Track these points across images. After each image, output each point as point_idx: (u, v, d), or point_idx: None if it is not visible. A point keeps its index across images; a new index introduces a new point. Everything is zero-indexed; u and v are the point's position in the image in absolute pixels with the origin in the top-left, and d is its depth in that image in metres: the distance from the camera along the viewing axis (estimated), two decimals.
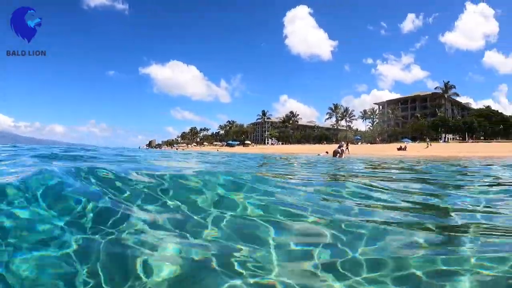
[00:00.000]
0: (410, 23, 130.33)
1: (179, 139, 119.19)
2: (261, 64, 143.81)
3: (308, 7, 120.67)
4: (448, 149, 32.63)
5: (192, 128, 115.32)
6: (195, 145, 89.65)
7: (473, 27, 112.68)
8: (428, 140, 42.24)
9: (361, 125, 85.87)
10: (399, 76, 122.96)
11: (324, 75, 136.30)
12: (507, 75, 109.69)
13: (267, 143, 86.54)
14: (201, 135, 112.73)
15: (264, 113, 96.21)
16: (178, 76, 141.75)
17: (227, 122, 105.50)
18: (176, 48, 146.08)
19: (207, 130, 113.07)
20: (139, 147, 78.67)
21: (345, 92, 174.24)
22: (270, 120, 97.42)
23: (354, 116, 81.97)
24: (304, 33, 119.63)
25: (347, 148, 19.51)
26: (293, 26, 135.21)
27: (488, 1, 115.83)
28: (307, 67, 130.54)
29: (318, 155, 18.11)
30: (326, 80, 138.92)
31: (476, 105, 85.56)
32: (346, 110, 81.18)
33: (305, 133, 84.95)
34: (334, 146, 17.34)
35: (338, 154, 13.60)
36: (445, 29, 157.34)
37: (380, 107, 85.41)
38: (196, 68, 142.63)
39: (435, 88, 72.08)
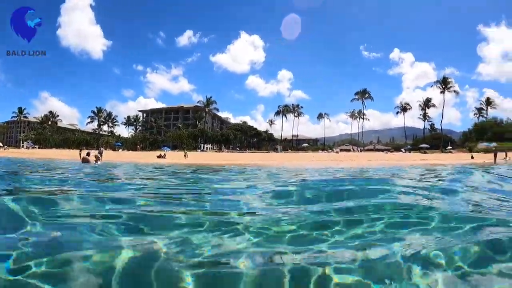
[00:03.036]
0: (186, 38, 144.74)
1: None
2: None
3: None
4: (208, 157, 35.41)
5: None
6: None
7: (243, 53, 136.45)
8: (185, 150, 42.58)
9: (124, 132, 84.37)
10: (167, 86, 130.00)
11: (91, 75, 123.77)
12: (264, 97, 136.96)
13: (22, 146, 74.09)
14: None
15: (20, 111, 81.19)
16: None
17: None
18: None
19: None
20: None
21: (111, 95, 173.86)
22: (27, 119, 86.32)
23: (117, 122, 79.96)
24: (79, 26, 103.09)
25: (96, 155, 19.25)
26: (69, 16, 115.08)
27: (260, 34, 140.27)
28: (74, 63, 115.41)
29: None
30: (93, 80, 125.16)
31: (234, 120, 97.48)
32: (110, 114, 78.19)
33: (65, 137, 75.96)
34: (94, 152, 18.70)
35: (93, 161, 14.36)
36: (217, 50, 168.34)
37: (145, 114, 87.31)
38: None
39: (198, 102, 75.90)
